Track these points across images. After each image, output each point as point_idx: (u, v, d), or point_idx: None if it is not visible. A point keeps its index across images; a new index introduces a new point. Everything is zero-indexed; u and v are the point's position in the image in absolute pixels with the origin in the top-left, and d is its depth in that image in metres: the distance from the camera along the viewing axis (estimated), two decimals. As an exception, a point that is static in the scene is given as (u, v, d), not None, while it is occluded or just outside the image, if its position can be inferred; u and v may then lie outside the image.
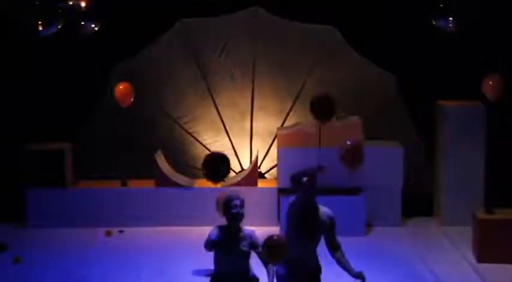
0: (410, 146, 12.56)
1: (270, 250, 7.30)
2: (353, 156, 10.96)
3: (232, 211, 7.69)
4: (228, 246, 7.66)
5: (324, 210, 7.79)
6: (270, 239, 7.32)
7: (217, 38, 13.07)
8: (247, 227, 7.82)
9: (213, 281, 7.80)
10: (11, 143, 12.64)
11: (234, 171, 13.34)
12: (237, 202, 7.71)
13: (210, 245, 7.65)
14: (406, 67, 12.70)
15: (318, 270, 7.89)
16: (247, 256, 7.73)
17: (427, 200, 12.85)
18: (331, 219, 7.78)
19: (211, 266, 7.87)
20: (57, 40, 11.48)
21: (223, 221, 7.78)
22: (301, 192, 7.73)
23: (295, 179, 7.76)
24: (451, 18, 10.91)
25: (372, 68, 12.92)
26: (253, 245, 7.70)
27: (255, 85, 13.17)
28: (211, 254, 7.81)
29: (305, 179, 7.70)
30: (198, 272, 10.40)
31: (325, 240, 7.83)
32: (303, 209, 7.74)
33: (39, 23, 10.40)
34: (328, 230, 7.77)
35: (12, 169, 12.56)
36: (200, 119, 13.29)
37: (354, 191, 11.94)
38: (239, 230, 7.73)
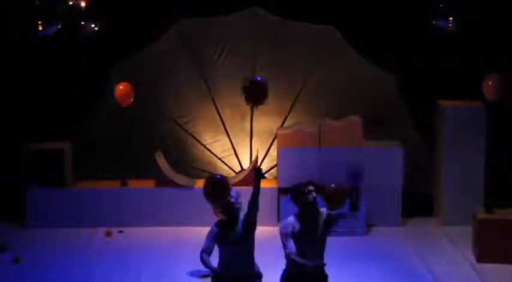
0: (410, 146, 12.56)
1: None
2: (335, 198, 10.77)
3: (237, 206, 7.77)
4: (228, 238, 7.71)
5: (322, 210, 7.89)
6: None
7: (217, 38, 13.06)
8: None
9: (218, 277, 7.82)
10: (11, 142, 12.63)
11: (234, 171, 13.35)
12: (235, 194, 7.85)
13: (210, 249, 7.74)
14: (406, 67, 12.70)
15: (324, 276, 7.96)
16: (247, 243, 7.77)
17: (427, 200, 12.85)
18: (328, 214, 7.88)
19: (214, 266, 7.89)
20: (57, 40, 11.48)
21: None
22: (305, 203, 7.78)
23: (300, 191, 7.79)
24: (451, 18, 10.92)
25: (371, 68, 12.91)
26: (246, 222, 7.74)
27: (255, 85, 13.15)
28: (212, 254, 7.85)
29: (312, 187, 7.77)
30: (198, 272, 10.41)
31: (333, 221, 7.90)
32: (307, 220, 7.78)
33: (39, 23, 10.40)
34: (331, 220, 7.85)
35: (13, 168, 12.56)
36: (200, 119, 13.29)
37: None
38: (238, 218, 7.82)
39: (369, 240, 11.79)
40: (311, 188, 7.83)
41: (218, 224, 7.88)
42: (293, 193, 7.91)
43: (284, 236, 7.84)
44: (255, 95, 9.30)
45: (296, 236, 7.79)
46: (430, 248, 11.51)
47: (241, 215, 7.89)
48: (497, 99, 11.39)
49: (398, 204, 12.34)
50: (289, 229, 7.81)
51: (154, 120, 13.15)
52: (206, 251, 7.77)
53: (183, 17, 12.94)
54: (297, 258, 7.76)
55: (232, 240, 7.76)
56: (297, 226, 7.82)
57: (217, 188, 7.78)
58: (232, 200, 7.83)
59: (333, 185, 7.87)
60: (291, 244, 7.78)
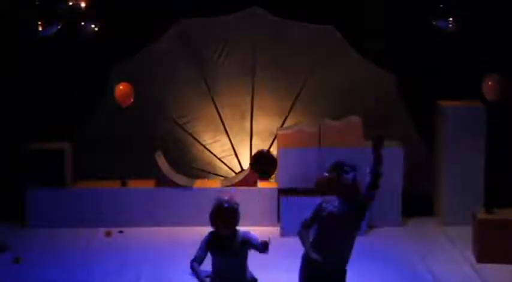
0: (410, 146, 12.56)
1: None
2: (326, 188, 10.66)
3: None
4: (223, 249, 7.68)
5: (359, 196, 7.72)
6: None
7: (217, 38, 13.06)
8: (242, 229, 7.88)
9: None
10: (11, 142, 12.64)
11: (234, 171, 13.35)
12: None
13: (201, 257, 7.69)
14: (406, 67, 12.69)
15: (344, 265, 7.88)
16: (242, 257, 7.74)
17: (427, 200, 12.85)
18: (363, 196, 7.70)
19: (210, 266, 7.88)
20: (57, 40, 11.48)
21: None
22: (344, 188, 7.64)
23: (341, 167, 7.64)
24: (451, 18, 10.92)
25: (371, 68, 12.91)
26: (244, 241, 7.68)
27: (254, 85, 13.17)
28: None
29: (352, 174, 7.64)
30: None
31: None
32: (345, 202, 7.66)
33: (39, 23, 10.40)
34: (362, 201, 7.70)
35: (13, 168, 12.56)
36: (200, 119, 13.28)
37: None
38: (234, 232, 7.76)
39: (369, 240, 11.77)
40: (347, 168, 7.66)
41: (213, 233, 7.80)
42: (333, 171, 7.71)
43: (313, 209, 7.72)
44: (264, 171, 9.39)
45: (326, 216, 7.65)
46: (430, 248, 11.51)
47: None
48: (497, 99, 11.39)
49: (398, 205, 12.33)
50: (321, 204, 7.67)
51: (154, 120, 13.14)
52: (197, 260, 7.66)
53: (183, 17, 12.93)
54: (302, 236, 7.68)
55: (229, 252, 7.69)
56: (333, 206, 7.67)
57: (225, 219, 7.68)
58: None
59: (326, 174, 7.74)
60: (308, 217, 7.70)
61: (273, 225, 11.95)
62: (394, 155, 12.17)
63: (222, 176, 13.26)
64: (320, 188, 8.21)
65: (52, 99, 12.79)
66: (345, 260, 7.83)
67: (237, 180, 12.48)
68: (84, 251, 11.44)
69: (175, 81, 13.16)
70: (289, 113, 13.18)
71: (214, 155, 13.34)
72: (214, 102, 13.21)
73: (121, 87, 12.28)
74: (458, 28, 11.02)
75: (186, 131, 13.27)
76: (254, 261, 7.92)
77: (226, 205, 7.65)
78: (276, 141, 12.80)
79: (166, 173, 12.45)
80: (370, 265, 10.69)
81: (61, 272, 10.59)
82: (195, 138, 13.30)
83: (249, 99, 13.21)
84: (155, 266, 10.82)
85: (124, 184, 12.54)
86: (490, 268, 10.59)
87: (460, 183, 12.25)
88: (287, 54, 13.01)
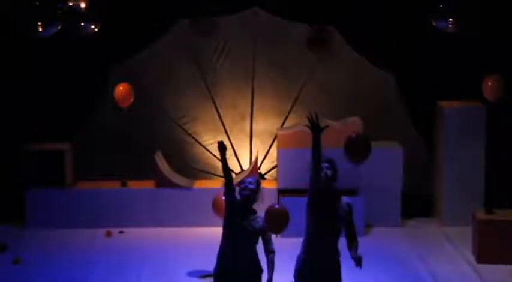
0: (410, 146, 12.56)
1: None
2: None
3: (241, 186, 7.93)
4: (239, 220, 7.78)
5: (343, 200, 7.88)
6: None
7: (217, 38, 13.06)
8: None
9: (219, 269, 7.83)
10: (11, 143, 12.63)
11: (234, 171, 13.35)
12: (248, 180, 7.98)
13: (231, 197, 7.90)
14: (405, 67, 12.69)
15: (337, 265, 7.93)
16: (254, 237, 7.80)
17: (427, 200, 12.84)
18: (349, 205, 7.88)
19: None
20: (57, 40, 11.48)
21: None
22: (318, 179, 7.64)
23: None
24: (451, 19, 10.93)
25: (371, 68, 12.91)
26: (261, 230, 7.80)
27: (254, 85, 13.17)
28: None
29: (326, 165, 7.66)
30: (198, 272, 10.42)
31: (345, 229, 7.87)
32: (322, 199, 7.69)
33: (39, 23, 10.41)
34: (347, 216, 7.82)
35: (12, 169, 12.56)
36: (200, 119, 13.29)
37: (352, 191, 11.92)
38: (253, 211, 7.84)
39: (368, 240, 11.76)
40: (326, 164, 7.69)
41: (238, 200, 7.91)
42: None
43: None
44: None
45: (320, 187, 7.67)
46: (430, 248, 11.52)
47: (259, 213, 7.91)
48: (497, 99, 11.39)
49: (398, 205, 12.34)
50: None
51: (154, 120, 13.15)
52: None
53: (183, 17, 12.93)
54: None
55: (241, 227, 7.77)
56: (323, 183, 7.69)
57: None
58: (242, 186, 7.93)
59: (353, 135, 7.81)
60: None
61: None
62: (394, 155, 12.19)
63: (222, 177, 13.24)
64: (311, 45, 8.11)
65: (52, 99, 12.78)
66: (334, 257, 7.89)
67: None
68: (84, 251, 11.44)
69: (175, 82, 13.16)
70: (289, 114, 13.18)
71: (214, 155, 13.33)
72: (214, 103, 13.21)
73: (121, 87, 12.28)
74: (458, 28, 11.01)
75: (186, 131, 13.28)
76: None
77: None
78: (276, 142, 12.80)
79: (166, 173, 12.45)
80: (369, 265, 10.66)
81: (61, 273, 10.60)
82: (195, 139, 13.31)
83: (249, 99, 13.21)
84: (155, 267, 10.82)
85: (124, 184, 12.54)
86: (490, 268, 10.59)
87: (460, 183, 12.25)
88: (287, 55, 13.01)
